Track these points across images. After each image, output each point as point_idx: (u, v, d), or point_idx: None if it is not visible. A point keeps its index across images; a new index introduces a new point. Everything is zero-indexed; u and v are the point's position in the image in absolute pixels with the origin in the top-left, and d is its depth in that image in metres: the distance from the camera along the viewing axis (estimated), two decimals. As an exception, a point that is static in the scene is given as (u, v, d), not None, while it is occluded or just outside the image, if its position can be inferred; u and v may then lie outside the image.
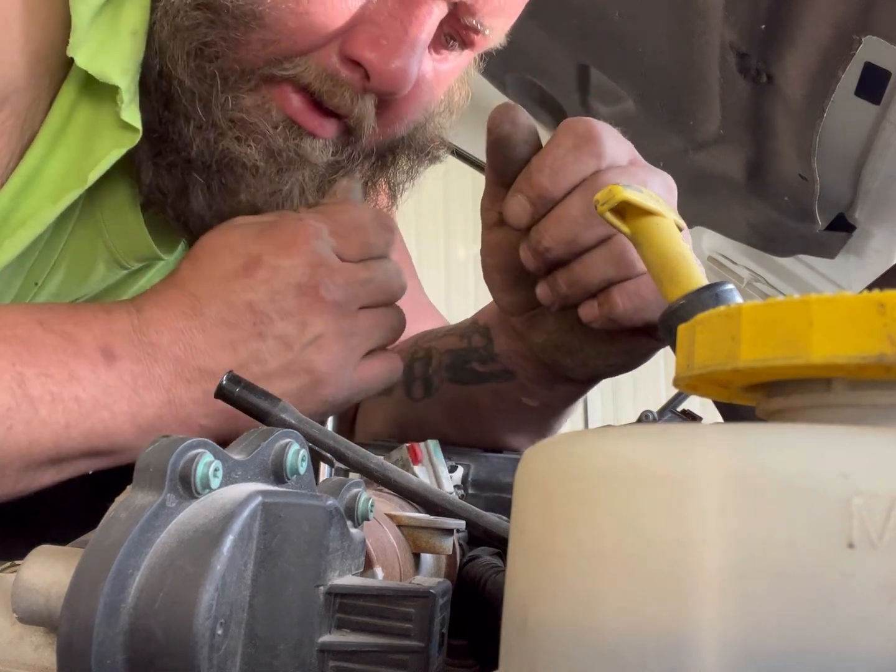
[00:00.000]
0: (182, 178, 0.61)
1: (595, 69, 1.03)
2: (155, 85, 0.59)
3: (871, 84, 0.78)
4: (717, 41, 0.84)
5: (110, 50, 0.55)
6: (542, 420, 0.72)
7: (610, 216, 0.51)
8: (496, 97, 1.23)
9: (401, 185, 0.71)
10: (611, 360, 0.64)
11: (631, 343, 0.62)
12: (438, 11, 0.60)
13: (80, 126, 0.58)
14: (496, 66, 1.16)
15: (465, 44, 0.64)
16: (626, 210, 0.51)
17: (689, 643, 0.20)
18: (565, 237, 0.55)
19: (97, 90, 0.57)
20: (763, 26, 0.79)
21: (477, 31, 0.63)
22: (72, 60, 0.55)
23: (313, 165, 0.61)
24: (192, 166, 0.60)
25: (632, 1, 0.90)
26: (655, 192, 0.56)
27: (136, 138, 0.57)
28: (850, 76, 0.77)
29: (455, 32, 0.63)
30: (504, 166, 0.58)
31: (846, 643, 0.19)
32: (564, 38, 1.01)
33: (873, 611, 0.19)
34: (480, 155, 1.41)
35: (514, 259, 0.59)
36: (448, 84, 0.67)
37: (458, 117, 0.71)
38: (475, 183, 3.93)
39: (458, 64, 0.66)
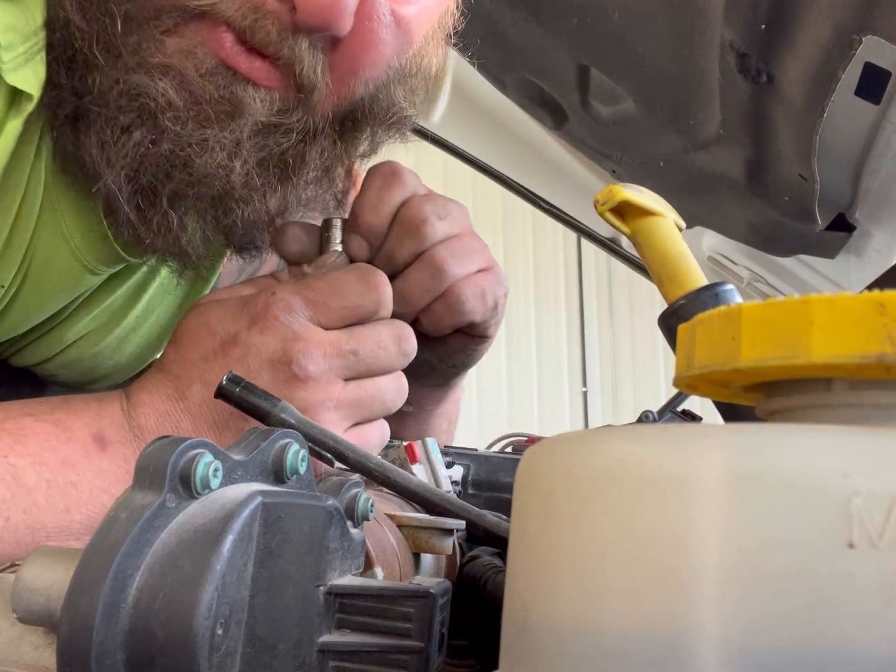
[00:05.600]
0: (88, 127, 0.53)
1: (595, 69, 1.02)
2: (61, 46, 0.52)
3: (871, 84, 0.78)
4: (717, 41, 0.84)
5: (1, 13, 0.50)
6: (418, 424, 0.75)
7: (610, 216, 0.51)
8: (496, 97, 1.23)
9: (362, 159, 0.66)
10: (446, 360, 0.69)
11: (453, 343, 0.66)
12: None
13: None
14: (496, 66, 1.16)
15: None
16: (626, 210, 0.51)
17: (690, 643, 0.20)
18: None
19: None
20: (763, 26, 0.79)
21: None
22: None
23: (252, 119, 0.53)
24: (93, 111, 0.52)
25: (632, 1, 0.90)
26: (455, 218, 0.62)
27: (31, 104, 0.51)
28: (850, 76, 0.77)
29: None
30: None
31: (846, 643, 0.19)
32: (564, 38, 1.01)
33: (873, 611, 0.19)
34: (479, 154, 1.41)
35: None
36: (417, 35, 0.59)
37: (436, 94, 0.66)
38: (475, 182, 3.94)
39: (425, 8, 0.58)
